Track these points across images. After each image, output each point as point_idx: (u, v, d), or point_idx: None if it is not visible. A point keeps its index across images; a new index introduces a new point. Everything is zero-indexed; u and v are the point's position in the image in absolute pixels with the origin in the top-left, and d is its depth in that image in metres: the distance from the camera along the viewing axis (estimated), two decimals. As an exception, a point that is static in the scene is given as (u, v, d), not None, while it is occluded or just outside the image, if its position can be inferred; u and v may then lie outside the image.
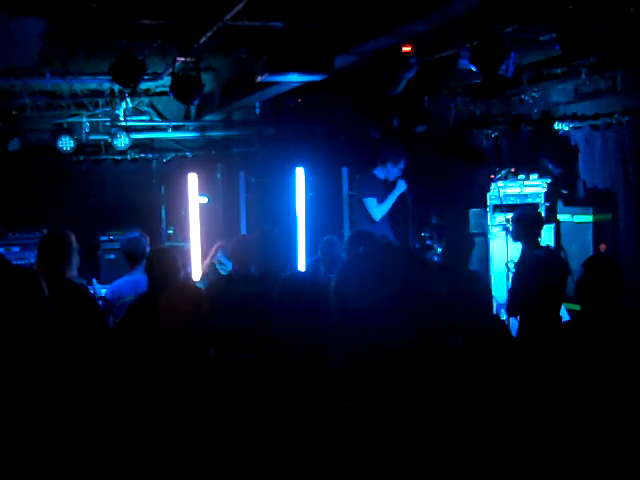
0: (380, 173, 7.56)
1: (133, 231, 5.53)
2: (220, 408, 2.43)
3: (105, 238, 8.74)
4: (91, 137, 8.91)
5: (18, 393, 2.61)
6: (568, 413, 2.90)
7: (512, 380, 2.66)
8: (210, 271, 6.07)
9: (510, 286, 5.57)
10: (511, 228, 5.80)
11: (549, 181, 7.72)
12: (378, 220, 7.45)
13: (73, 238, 4.56)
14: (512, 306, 5.38)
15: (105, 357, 3.23)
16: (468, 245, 5.24)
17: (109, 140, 8.86)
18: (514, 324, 6.55)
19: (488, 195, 7.91)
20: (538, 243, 5.55)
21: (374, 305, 2.40)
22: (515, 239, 5.72)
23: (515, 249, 7.27)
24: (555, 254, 5.79)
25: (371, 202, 7.45)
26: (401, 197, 7.49)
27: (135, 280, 5.14)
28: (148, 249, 5.29)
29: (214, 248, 6.10)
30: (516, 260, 5.89)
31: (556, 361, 3.12)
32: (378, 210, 7.45)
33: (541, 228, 5.67)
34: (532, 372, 2.91)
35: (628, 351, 3.17)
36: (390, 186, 7.55)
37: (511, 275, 6.10)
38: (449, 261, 5.10)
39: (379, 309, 2.39)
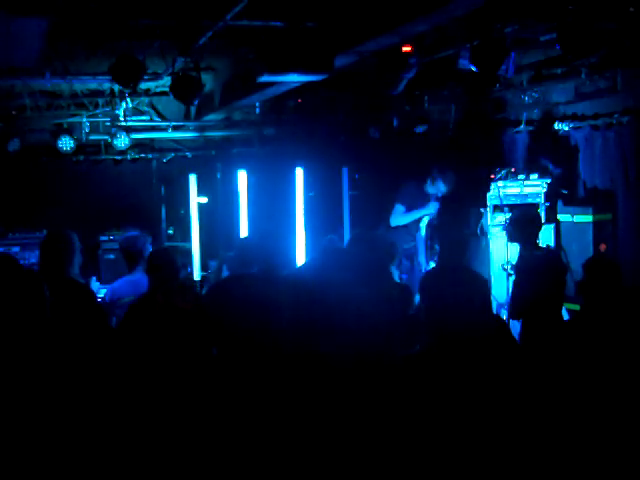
0: (430, 189, 7.72)
1: (132, 231, 5.54)
2: (222, 407, 2.43)
3: (105, 238, 8.75)
4: (91, 137, 8.91)
5: (19, 395, 2.61)
6: (568, 413, 2.90)
7: (513, 380, 2.66)
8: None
9: (512, 289, 5.52)
10: (508, 230, 5.76)
11: (549, 181, 7.73)
12: (392, 226, 7.59)
13: (75, 237, 4.56)
14: (515, 310, 5.33)
15: (108, 357, 3.23)
16: (462, 245, 5.23)
17: (109, 140, 8.86)
18: (513, 324, 6.54)
19: (488, 195, 7.92)
20: (537, 244, 5.50)
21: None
22: (511, 240, 5.69)
23: (515, 249, 7.27)
24: (553, 254, 5.76)
25: (397, 209, 7.65)
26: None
27: (135, 280, 5.14)
28: (150, 248, 5.29)
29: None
30: (513, 262, 5.86)
31: (557, 361, 3.13)
32: (397, 218, 7.59)
33: (539, 229, 5.62)
34: (533, 372, 2.92)
35: (629, 350, 3.17)
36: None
37: (511, 277, 6.08)
38: (445, 261, 5.09)
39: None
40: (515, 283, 5.45)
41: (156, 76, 7.17)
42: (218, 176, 9.73)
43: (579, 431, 2.73)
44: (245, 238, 6.92)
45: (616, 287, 3.38)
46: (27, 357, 2.72)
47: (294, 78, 5.76)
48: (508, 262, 6.23)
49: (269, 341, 2.62)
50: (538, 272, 5.14)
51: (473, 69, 5.66)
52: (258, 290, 4.30)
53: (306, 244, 8.37)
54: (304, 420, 2.31)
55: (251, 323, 3.51)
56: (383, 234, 5.60)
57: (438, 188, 7.66)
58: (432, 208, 7.64)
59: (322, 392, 2.35)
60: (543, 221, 6.24)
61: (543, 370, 2.96)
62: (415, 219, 7.71)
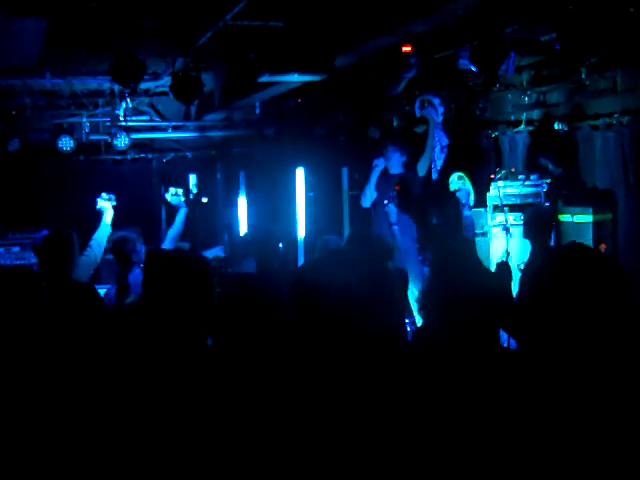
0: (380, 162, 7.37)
1: (131, 231, 5.56)
2: (220, 403, 2.43)
3: (105, 238, 8.75)
4: (91, 137, 8.92)
5: (19, 394, 2.61)
6: (568, 415, 2.90)
7: (513, 377, 2.67)
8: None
9: (518, 287, 5.52)
10: (524, 227, 5.77)
11: (549, 181, 7.72)
12: (364, 205, 7.42)
13: (75, 237, 4.54)
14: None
15: (111, 357, 3.23)
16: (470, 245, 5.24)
17: (109, 140, 8.86)
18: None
19: (488, 195, 7.92)
20: (547, 243, 5.54)
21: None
22: (524, 237, 5.72)
23: (515, 249, 7.26)
24: None
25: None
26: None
27: (134, 281, 5.13)
28: (141, 248, 5.29)
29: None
30: (525, 261, 5.84)
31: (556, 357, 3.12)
32: (363, 196, 7.41)
33: (551, 229, 5.64)
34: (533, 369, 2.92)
35: (628, 352, 3.17)
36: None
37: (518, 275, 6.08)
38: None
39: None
40: (522, 280, 5.44)
41: (156, 76, 7.18)
42: (218, 176, 9.74)
43: (574, 428, 2.74)
44: (239, 237, 6.92)
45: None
46: (27, 357, 2.72)
47: (294, 78, 5.77)
48: (522, 263, 6.19)
49: (269, 339, 2.62)
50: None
51: (473, 69, 5.67)
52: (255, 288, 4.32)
53: (306, 244, 8.39)
54: (302, 418, 2.31)
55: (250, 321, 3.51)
56: (377, 233, 5.54)
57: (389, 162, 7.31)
58: (378, 163, 7.26)
59: (322, 391, 2.36)
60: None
61: (541, 367, 2.96)
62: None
